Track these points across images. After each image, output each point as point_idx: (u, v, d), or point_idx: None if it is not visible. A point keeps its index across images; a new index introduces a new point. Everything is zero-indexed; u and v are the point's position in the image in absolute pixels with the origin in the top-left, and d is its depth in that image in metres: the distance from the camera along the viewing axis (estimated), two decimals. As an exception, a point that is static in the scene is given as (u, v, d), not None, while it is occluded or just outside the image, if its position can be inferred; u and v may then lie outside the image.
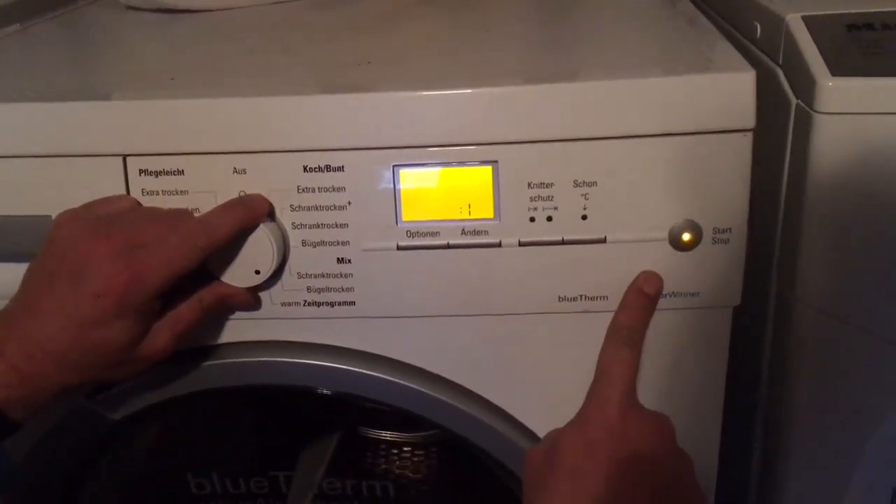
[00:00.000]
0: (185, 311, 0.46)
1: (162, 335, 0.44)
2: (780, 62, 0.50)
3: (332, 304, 0.49)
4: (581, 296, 0.48)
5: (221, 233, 0.44)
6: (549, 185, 0.46)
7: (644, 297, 0.47)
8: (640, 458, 0.41)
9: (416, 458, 0.84)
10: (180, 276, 0.43)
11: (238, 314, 0.50)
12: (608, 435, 0.42)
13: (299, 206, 0.47)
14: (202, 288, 0.46)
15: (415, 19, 0.67)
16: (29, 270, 0.44)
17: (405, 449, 0.84)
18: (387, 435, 0.85)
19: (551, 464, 0.43)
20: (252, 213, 0.45)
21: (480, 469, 0.60)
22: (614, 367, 0.45)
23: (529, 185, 0.46)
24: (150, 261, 0.42)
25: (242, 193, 0.46)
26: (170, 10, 0.70)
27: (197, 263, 0.43)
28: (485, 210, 0.47)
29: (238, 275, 0.46)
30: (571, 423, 0.45)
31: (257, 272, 0.46)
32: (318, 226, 0.47)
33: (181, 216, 0.45)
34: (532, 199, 0.46)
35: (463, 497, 0.81)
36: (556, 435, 0.45)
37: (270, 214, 0.47)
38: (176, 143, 0.46)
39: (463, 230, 0.47)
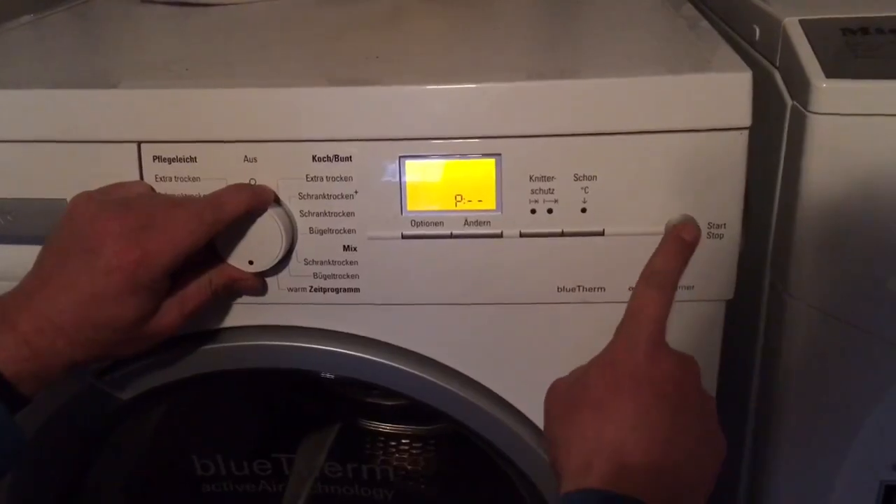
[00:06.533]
0: (195, 291, 0.47)
1: (170, 313, 0.46)
2: (777, 64, 0.51)
3: (337, 291, 0.50)
4: (579, 287, 0.49)
5: (228, 210, 0.45)
6: (550, 179, 0.47)
7: (681, 242, 0.46)
8: (663, 399, 0.41)
9: (414, 451, 0.85)
10: (189, 252, 0.44)
11: (245, 299, 0.51)
12: (633, 374, 0.42)
13: (307, 195, 0.48)
14: (213, 270, 0.48)
15: (421, 16, 0.68)
16: (43, 249, 0.45)
17: (403, 441, 0.85)
18: (386, 427, 0.86)
19: (576, 397, 0.43)
20: (259, 198, 0.47)
21: (478, 461, 0.62)
22: (644, 307, 0.44)
23: (531, 177, 0.47)
24: (160, 238, 0.43)
25: (253, 181, 0.48)
26: (183, 4, 0.72)
27: (204, 240, 0.45)
28: (487, 201, 0.48)
29: (247, 259, 0.48)
30: (598, 360, 0.44)
31: (265, 258, 0.48)
32: (325, 214, 0.48)
33: (190, 197, 0.47)
34: (533, 192, 0.47)
35: (460, 488, 0.82)
36: (582, 370, 0.45)
37: (279, 202, 0.48)
38: (189, 131, 0.48)
39: (466, 221, 0.48)
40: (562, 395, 0.45)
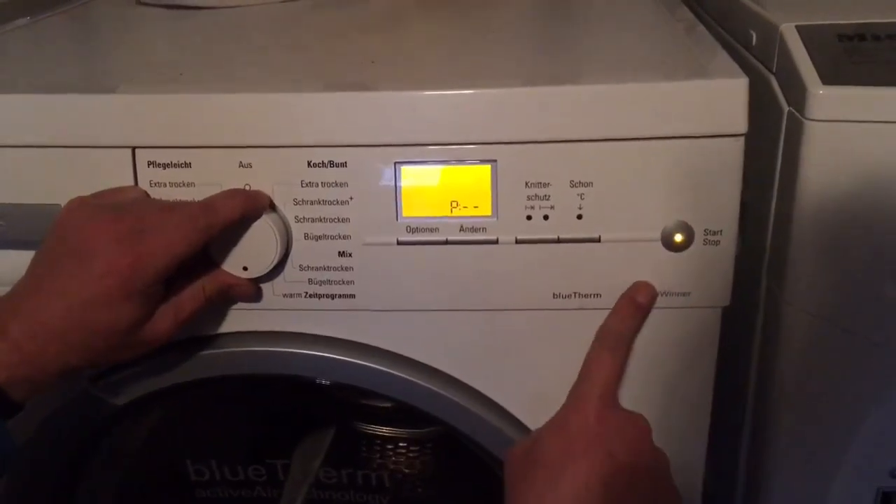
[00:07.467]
0: (189, 297, 0.47)
1: (164, 320, 0.45)
2: (774, 70, 0.51)
3: (332, 297, 0.50)
4: (575, 293, 0.49)
5: (222, 215, 0.45)
6: (546, 185, 0.47)
7: (635, 305, 0.48)
8: (614, 458, 0.42)
9: (410, 454, 0.85)
10: (183, 258, 0.44)
11: (240, 305, 0.51)
12: (584, 435, 0.43)
13: (303, 201, 0.48)
14: (207, 276, 0.47)
15: (418, 21, 0.68)
16: (37, 254, 0.45)
17: (400, 444, 0.85)
18: (383, 431, 0.86)
19: (532, 459, 0.44)
20: (254, 203, 0.46)
21: (474, 464, 0.61)
22: (595, 369, 0.46)
23: (527, 184, 0.47)
24: (154, 243, 0.42)
25: (248, 187, 0.48)
26: (180, 7, 0.72)
27: (199, 246, 0.44)
28: (483, 208, 0.48)
29: (241, 265, 0.48)
30: (552, 422, 0.46)
31: (260, 264, 0.47)
32: (320, 220, 0.48)
33: (184, 203, 0.47)
34: (529, 198, 0.47)
35: (456, 492, 0.82)
36: (537, 433, 0.46)
37: (274, 207, 0.48)
38: (184, 136, 0.48)
39: (461, 227, 0.48)
40: (520, 456, 0.46)
